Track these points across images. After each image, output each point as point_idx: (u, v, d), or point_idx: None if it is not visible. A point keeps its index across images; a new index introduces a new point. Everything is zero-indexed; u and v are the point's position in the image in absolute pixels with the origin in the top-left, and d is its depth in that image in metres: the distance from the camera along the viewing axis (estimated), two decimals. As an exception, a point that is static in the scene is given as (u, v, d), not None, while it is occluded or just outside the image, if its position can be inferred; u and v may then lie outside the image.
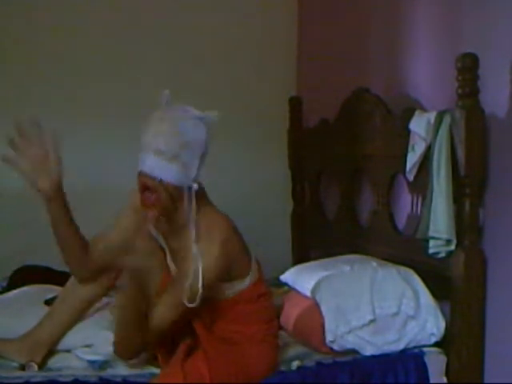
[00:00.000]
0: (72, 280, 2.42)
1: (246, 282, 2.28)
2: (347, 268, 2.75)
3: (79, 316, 2.42)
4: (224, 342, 2.26)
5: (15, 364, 2.32)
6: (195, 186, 2.12)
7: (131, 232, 2.32)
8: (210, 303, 2.23)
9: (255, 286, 2.32)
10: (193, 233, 2.13)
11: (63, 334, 2.39)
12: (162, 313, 2.14)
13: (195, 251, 2.11)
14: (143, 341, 2.18)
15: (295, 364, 2.43)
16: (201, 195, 2.20)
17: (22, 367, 2.31)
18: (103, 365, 2.33)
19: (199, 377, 2.16)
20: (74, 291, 2.40)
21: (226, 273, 2.20)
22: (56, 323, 2.38)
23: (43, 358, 2.34)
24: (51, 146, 2.08)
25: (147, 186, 2.11)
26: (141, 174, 2.11)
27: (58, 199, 2.14)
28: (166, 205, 2.13)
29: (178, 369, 2.16)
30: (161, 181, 2.09)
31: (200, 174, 2.15)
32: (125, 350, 2.22)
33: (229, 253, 2.16)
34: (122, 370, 2.32)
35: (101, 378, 2.25)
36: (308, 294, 2.70)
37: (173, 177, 2.09)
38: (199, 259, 2.09)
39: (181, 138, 2.07)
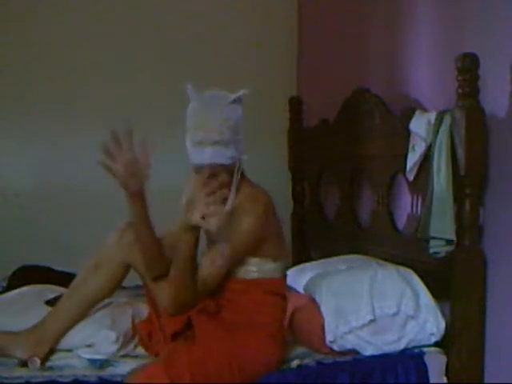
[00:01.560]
0: (78, 278, 2.44)
1: (275, 266, 2.37)
2: (347, 268, 2.75)
3: (84, 314, 2.43)
4: (224, 329, 2.29)
5: (16, 361, 2.32)
6: (244, 156, 2.35)
7: None
8: (233, 281, 2.33)
9: (276, 282, 2.39)
10: (230, 201, 2.30)
11: (68, 331, 2.40)
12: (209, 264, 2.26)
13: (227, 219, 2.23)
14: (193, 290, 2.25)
15: (295, 363, 2.43)
16: (242, 171, 2.38)
17: (23, 363, 2.31)
18: (104, 364, 2.33)
19: (179, 368, 2.14)
20: (81, 289, 2.41)
21: (257, 244, 2.30)
22: (61, 320, 2.39)
23: (46, 354, 2.35)
24: (142, 150, 2.21)
25: (212, 174, 2.27)
26: (204, 167, 2.27)
27: (142, 199, 2.27)
28: (227, 182, 2.32)
29: (160, 361, 2.17)
30: (222, 165, 2.27)
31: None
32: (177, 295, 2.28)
33: (264, 226, 2.29)
34: (121, 369, 2.32)
35: (100, 378, 2.25)
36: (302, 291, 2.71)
37: (231, 159, 2.29)
38: (237, 224, 2.25)
39: (228, 123, 2.26)
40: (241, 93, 2.30)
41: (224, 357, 2.22)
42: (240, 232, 2.26)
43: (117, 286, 2.46)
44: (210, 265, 2.26)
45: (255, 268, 2.35)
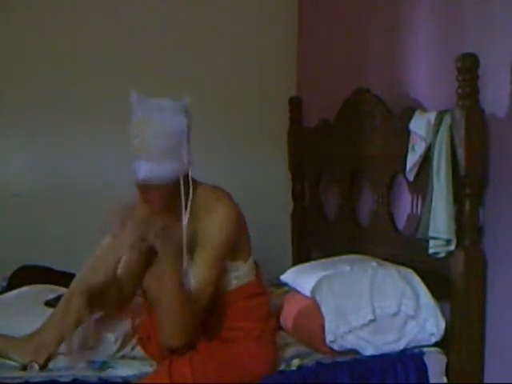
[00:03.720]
0: (75, 281, 2.42)
1: (247, 268, 2.33)
2: (347, 268, 2.75)
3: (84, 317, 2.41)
4: (220, 342, 2.28)
5: (15, 364, 2.32)
6: (191, 165, 2.20)
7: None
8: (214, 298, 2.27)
9: (254, 283, 2.37)
10: (186, 213, 2.20)
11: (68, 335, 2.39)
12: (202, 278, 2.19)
13: (185, 228, 2.19)
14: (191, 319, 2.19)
15: (295, 363, 2.43)
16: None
17: (23, 367, 2.30)
18: (103, 365, 2.33)
19: (182, 377, 2.17)
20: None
21: (233, 243, 2.25)
22: (61, 324, 2.37)
23: (46, 359, 2.34)
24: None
25: (148, 188, 2.17)
26: (140, 182, 2.16)
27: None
28: (168, 196, 2.21)
29: (165, 369, 2.19)
30: (160, 179, 2.15)
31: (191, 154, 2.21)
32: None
33: (235, 220, 2.23)
34: (121, 370, 2.32)
35: (100, 379, 2.25)
36: (308, 294, 2.70)
37: (171, 172, 2.16)
38: (205, 234, 2.18)
39: (167, 135, 2.13)
40: (184, 101, 2.19)
41: (223, 368, 2.23)
42: (216, 228, 2.18)
43: None
44: (197, 280, 2.18)
45: (233, 275, 2.30)
